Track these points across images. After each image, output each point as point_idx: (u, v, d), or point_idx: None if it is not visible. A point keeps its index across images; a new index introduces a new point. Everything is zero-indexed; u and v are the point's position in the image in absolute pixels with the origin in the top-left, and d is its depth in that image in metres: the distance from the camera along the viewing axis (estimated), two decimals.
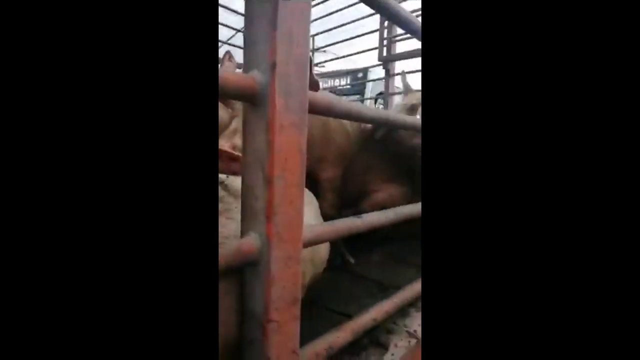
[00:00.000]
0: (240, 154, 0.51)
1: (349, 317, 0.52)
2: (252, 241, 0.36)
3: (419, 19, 0.61)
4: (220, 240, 0.43)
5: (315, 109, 0.39)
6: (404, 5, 1.94)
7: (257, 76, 0.34)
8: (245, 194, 0.38)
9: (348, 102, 0.49)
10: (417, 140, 0.99)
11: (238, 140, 0.69)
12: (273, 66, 0.33)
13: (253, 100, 0.35)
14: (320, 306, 0.69)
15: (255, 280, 0.37)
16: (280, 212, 0.35)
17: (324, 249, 0.67)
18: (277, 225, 0.35)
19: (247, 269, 0.38)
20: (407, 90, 1.11)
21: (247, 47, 0.36)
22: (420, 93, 1.06)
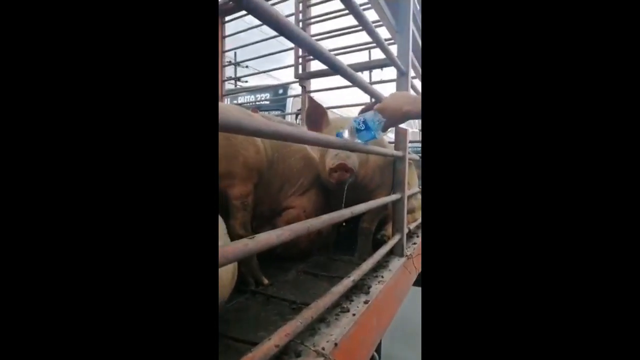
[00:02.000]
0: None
1: (254, 345, 0.48)
2: None
3: (321, 42, 0.62)
4: None
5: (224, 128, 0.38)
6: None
7: None
8: None
9: (264, 121, 0.47)
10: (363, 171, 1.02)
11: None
12: None
13: None
14: (224, 337, 0.64)
15: None
16: None
17: (224, 276, 0.62)
18: None
19: None
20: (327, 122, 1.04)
21: None
22: (347, 119, 1.02)
